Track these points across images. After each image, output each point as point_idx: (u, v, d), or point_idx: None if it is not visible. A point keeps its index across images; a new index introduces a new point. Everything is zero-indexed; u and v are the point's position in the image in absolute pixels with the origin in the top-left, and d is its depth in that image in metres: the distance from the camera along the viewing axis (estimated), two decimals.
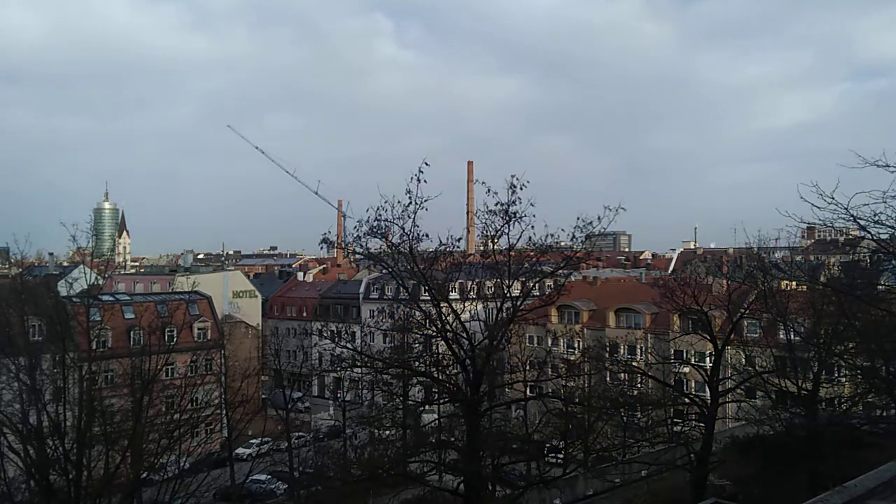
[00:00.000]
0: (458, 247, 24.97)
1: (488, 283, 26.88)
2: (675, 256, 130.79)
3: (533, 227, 21.98)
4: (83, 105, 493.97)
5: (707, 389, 28.95)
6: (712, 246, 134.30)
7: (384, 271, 25.69)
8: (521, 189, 21.26)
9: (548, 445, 34.67)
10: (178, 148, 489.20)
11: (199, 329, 62.10)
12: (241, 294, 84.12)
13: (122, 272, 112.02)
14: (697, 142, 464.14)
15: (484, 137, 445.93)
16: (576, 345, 53.56)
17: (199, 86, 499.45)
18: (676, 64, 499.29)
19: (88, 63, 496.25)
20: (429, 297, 24.20)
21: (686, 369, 38.71)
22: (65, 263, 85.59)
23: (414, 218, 21.55)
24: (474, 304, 27.34)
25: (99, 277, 45.52)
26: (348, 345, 27.25)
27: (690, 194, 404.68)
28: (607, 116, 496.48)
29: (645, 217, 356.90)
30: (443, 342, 24.20)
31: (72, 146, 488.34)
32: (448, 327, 23.15)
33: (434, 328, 24.58)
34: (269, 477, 43.16)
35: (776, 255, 47.04)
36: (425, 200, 21.26)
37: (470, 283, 28.08)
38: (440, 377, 25.39)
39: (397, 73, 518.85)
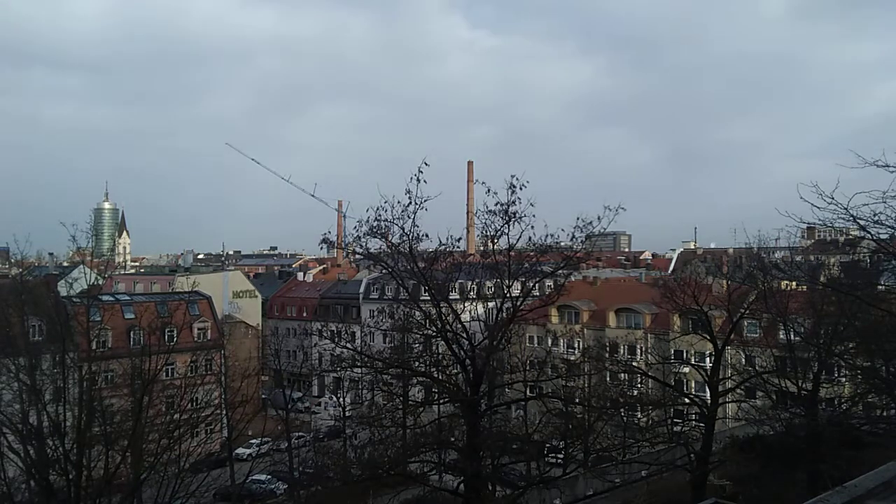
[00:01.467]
0: (458, 247, 24.98)
1: (488, 284, 26.85)
2: (675, 256, 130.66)
3: (533, 227, 22.00)
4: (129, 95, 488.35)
5: (707, 389, 28.96)
6: (712, 246, 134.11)
7: (384, 271, 25.68)
8: (521, 189, 21.29)
9: (548, 445, 34.63)
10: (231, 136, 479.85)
11: (199, 329, 62.08)
12: (241, 294, 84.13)
13: (122, 272, 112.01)
14: (773, 132, 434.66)
15: (541, 130, 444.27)
16: (576, 345, 53.57)
17: (250, 73, 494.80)
18: (780, 44, 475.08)
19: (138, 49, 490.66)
20: (429, 297, 24.19)
21: (686, 369, 38.72)
22: (65, 263, 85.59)
23: (414, 218, 21.57)
24: (474, 304, 27.31)
25: (99, 277, 45.55)
26: (348, 345, 27.24)
27: (751, 189, 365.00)
28: (678, 106, 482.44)
29: (703, 212, 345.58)
30: (443, 342, 24.20)
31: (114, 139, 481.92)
32: (448, 327, 23.14)
33: (434, 328, 24.58)
34: (269, 477, 43.18)
35: (776, 255, 47.04)
36: (425, 200, 21.29)
37: (470, 283, 28.04)
38: (440, 377, 25.38)
39: (465, 57, 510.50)
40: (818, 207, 14.02)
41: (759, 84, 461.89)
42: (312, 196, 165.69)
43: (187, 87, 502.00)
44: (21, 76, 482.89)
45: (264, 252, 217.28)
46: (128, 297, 64.31)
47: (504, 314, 23.58)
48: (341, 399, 50.23)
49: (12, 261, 32.98)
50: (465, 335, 23.09)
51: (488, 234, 22.50)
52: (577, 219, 21.98)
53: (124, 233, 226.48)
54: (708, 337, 28.60)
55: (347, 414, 47.28)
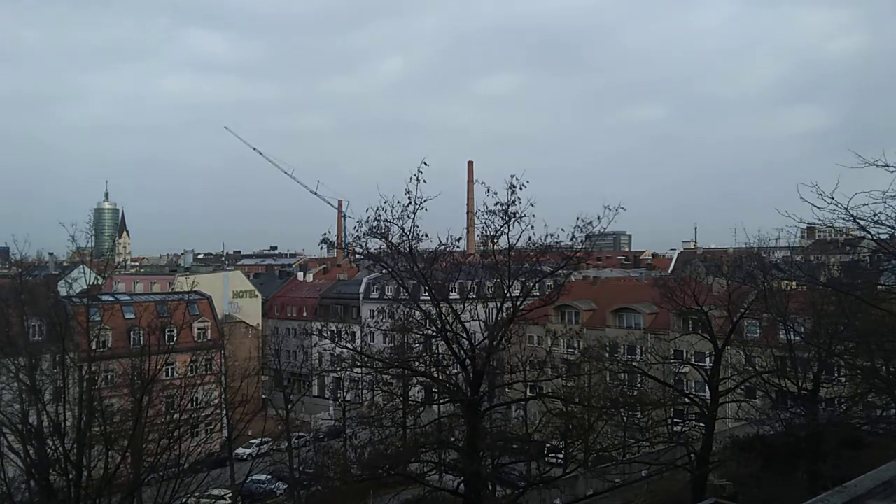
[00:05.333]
0: (458, 247, 25.00)
1: (488, 284, 26.87)
2: (675, 256, 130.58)
3: (533, 227, 22.03)
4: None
5: (707, 389, 28.95)
6: (712, 246, 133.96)
7: (384, 271, 25.70)
8: (521, 189, 21.31)
9: (548, 445, 34.65)
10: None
11: (199, 329, 62.07)
12: (241, 294, 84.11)
13: (122, 272, 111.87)
14: None
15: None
16: (576, 345, 53.52)
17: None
18: None
19: None
20: (429, 297, 24.20)
21: (686, 369, 38.70)
22: (65, 263, 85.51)
23: (414, 218, 21.59)
24: (474, 304, 27.33)
25: (99, 277, 45.52)
26: (348, 345, 27.29)
27: None
28: None
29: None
30: (443, 342, 24.21)
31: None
32: (448, 327, 23.15)
33: (434, 328, 24.59)
34: (269, 477, 43.17)
35: (776, 255, 47.05)
36: (425, 200, 21.31)
37: (470, 283, 28.06)
38: (440, 377, 25.40)
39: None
40: (818, 207, 14.06)
41: None
42: (314, 193, 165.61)
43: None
44: None
45: (264, 252, 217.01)
46: (128, 297, 64.34)
47: (504, 314, 23.58)
48: (341, 399, 50.24)
49: (12, 261, 32.89)
50: (465, 335, 23.10)
51: (488, 234, 22.52)
52: (577, 219, 22.04)
53: (124, 233, 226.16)
54: (708, 337, 28.60)
55: (347, 414, 47.32)
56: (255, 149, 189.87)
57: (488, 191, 21.70)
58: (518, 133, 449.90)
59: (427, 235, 22.43)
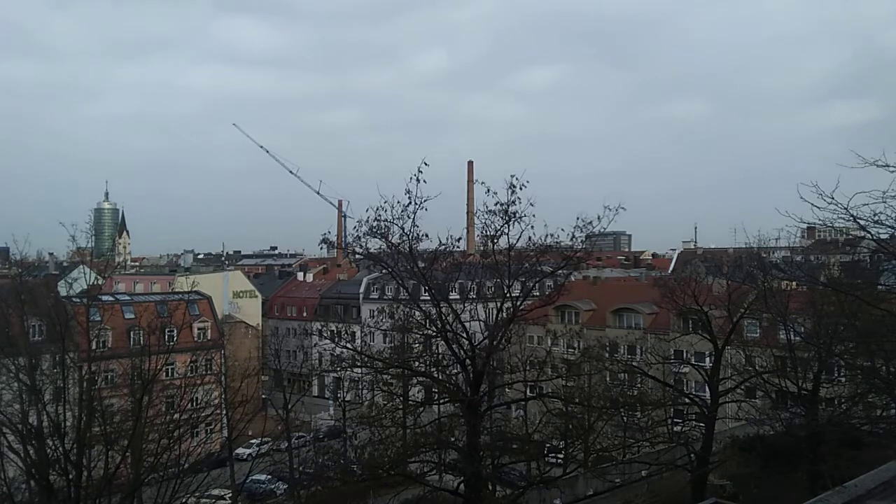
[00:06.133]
0: (458, 247, 25.00)
1: (488, 284, 26.87)
2: (675, 256, 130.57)
3: (533, 227, 22.02)
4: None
5: (707, 389, 28.96)
6: (712, 246, 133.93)
7: (384, 271, 25.70)
8: (521, 189, 21.31)
9: (548, 445, 34.64)
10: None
11: (199, 329, 62.08)
12: (241, 294, 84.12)
13: (122, 272, 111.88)
14: None
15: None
16: (576, 345, 53.50)
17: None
18: None
19: None
20: (429, 297, 24.19)
21: (686, 369, 38.71)
22: (65, 263, 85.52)
23: (414, 218, 21.59)
24: (474, 304, 27.32)
25: (99, 277, 45.57)
26: (348, 345, 27.28)
27: None
28: None
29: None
30: (443, 342, 24.20)
31: None
32: (448, 327, 23.15)
33: (434, 328, 24.59)
34: (269, 477, 43.15)
35: (776, 255, 47.03)
36: (425, 200, 21.31)
37: (470, 283, 28.07)
38: (440, 377, 25.38)
39: None
40: (818, 207, 14.05)
41: None
42: (317, 193, 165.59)
43: None
44: None
45: (264, 252, 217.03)
46: (128, 297, 64.35)
47: (504, 314, 23.58)
48: (341, 399, 50.22)
49: (12, 261, 32.91)
50: (465, 335, 23.09)
51: (488, 234, 22.52)
52: (577, 218, 22.03)
53: (124, 233, 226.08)
54: (708, 337, 28.61)
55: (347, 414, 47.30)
56: (262, 146, 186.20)
57: (488, 191, 21.72)
58: (553, 131, 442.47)
59: (427, 235, 22.46)
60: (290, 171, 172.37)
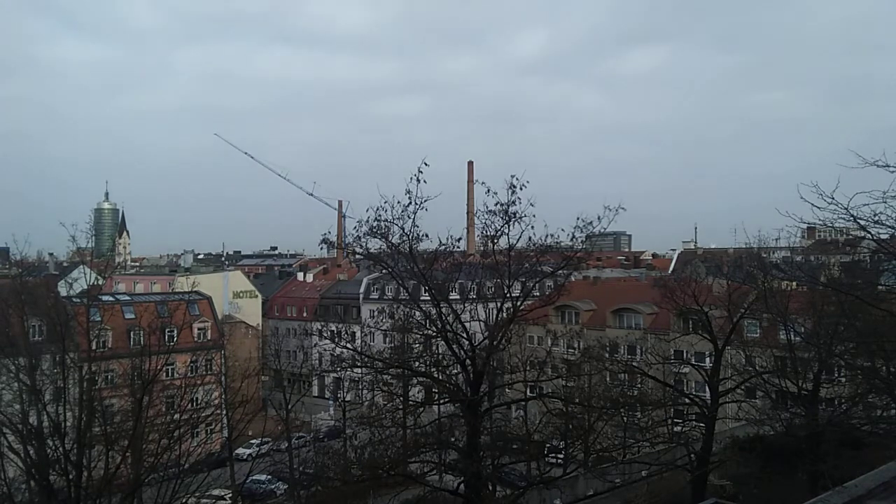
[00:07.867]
0: (458, 247, 24.99)
1: (488, 284, 26.88)
2: (675, 256, 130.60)
3: (533, 227, 22.01)
4: None
5: (707, 389, 28.95)
6: (712, 246, 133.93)
7: (384, 271, 25.69)
8: (521, 189, 21.30)
9: (548, 445, 34.68)
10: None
11: (199, 329, 62.10)
12: (241, 294, 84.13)
13: (122, 272, 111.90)
14: None
15: None
16: (576, 345, 53.52)
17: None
18: None
19: None
20: (429, 298, 24.19)
21: (686, 369, 38.73)
22: (65, 263, 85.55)
23: (414, 218, 21.58)
24: (474, 304, 27.32)
25: (99, 277, 45.59)
26: (348, 345, 27.24)
27: None
28: None
29: None
30: (443, 342, 24.20)
31: None
32: (448, 327, 23.14)
33: (434, 328, 24.58)
34: (269, 477, 43.16)
35: (776, 255, 46.99)
36: (425, 200, 21.30)
37: (470, 283, 28.07)
38: (440, 377, 25.37)
39: None
40: (818, 207, 14.03)
41: None
42: (311, 195, 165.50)
43: None
44: None
45: (264, 252, 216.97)
46: (128, 297, 64.38)
47: (504, 314, 23.58)
48: (341, 400, 50.19)
49: (12, 261, 32.94)
50: (465, 335, 23.09)
51: (488, 234, 22.52)
52: (577, 219, 22.02)
53: (124, 233, 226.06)
54: (708, 337, 28.60)
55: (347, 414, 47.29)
56: (246, 153, 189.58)
57: (488, 191, 21.71)
58: (637, 120, 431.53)
59: (427, 235, 22.45)
60: (280, 175, 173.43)
